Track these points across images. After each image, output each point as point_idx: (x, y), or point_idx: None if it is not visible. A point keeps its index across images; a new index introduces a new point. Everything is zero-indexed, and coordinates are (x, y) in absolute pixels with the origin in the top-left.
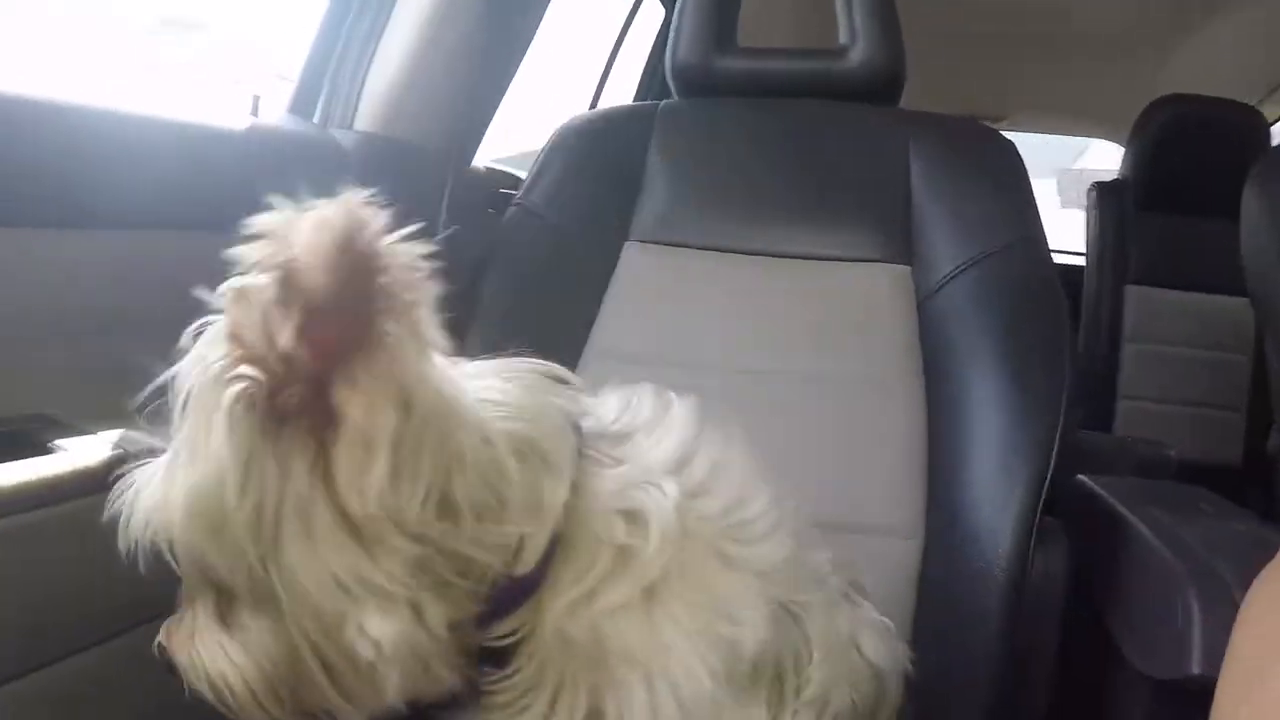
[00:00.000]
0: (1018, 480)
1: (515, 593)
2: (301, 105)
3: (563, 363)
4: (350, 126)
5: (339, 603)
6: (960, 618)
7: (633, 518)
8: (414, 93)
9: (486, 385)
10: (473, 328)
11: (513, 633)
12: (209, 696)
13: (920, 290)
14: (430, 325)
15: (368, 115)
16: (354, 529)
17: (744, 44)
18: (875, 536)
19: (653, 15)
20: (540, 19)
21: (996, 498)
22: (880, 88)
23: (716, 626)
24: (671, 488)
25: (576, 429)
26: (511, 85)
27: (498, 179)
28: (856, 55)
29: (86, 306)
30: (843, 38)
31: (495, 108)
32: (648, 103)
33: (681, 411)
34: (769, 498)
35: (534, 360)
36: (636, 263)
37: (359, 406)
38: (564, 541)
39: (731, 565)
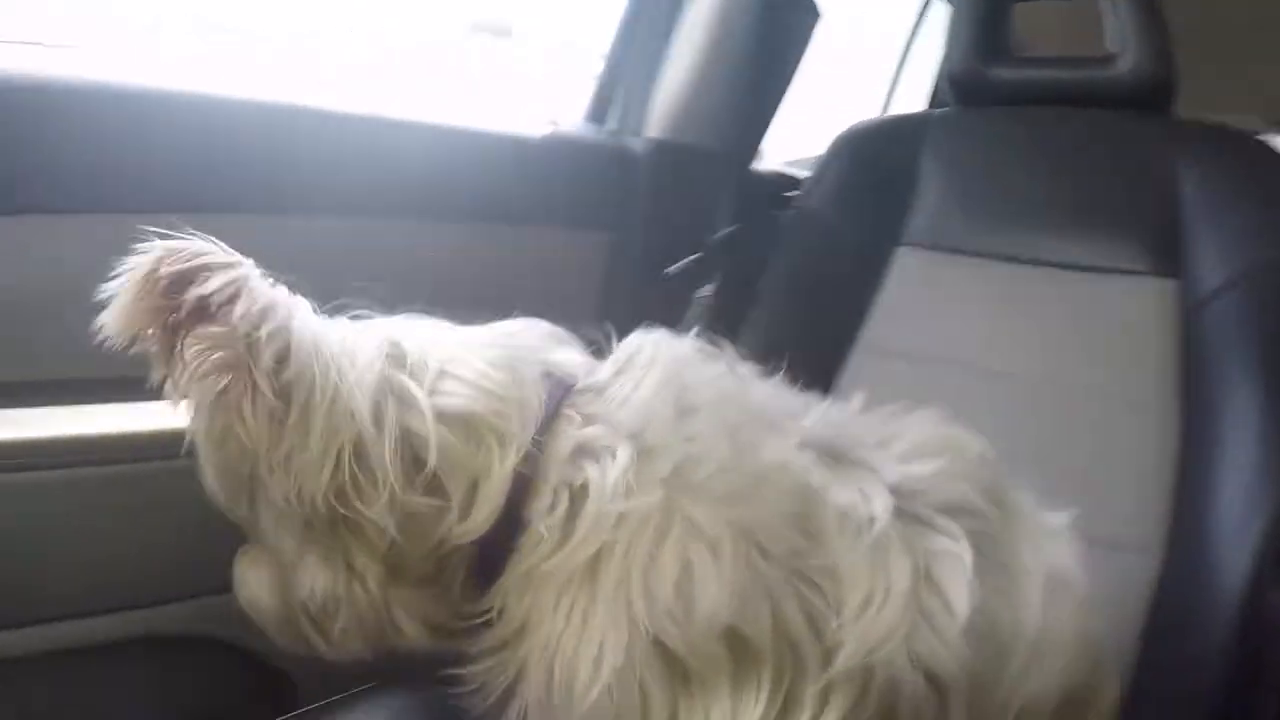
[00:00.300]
0: (1261, 510)
1: (483, 559)
2: (597, 113)
3: (831, 358)
4: (641, 133)
5: (290, 554)
6: (1187, 643)
7: (578, 492)
8: (700, 99)
9: (457, 360)
10: (748, 321)
11: (488, 596)
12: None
13: (1186, 305)
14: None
15: (658, 121)
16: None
17: (1015, 52)
18: (1111, 550)
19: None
20: (815, 21)
21: (1240, 525)
22: (1149, 95)
23: (654, 603)
24: (625, 452)
25: (560, 388)
26: (796, 89)
27: (782, 181)
28: (1125, 63)
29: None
30: (1110, 45)
31: (775, 110)
32: (922, 111)
33: (670, 357)
34: (779, 443)
35: (535, 324)
36: (908, 266)
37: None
38: (521, 508)
39: (696, 529)
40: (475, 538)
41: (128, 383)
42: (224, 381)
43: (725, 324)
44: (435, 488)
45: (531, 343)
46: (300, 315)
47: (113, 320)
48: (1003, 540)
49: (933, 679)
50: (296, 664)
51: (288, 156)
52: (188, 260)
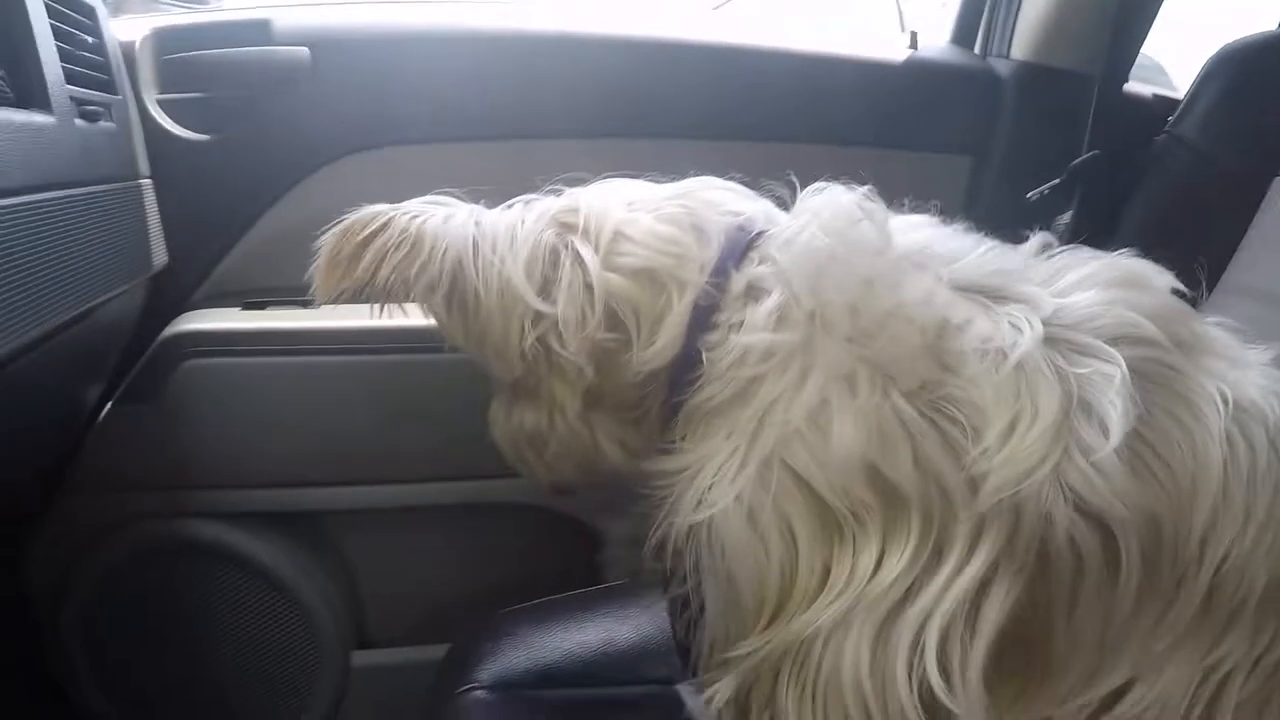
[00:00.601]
0: None
1: (670, 389)
2: (962, 35)
3: (1190, 300)
4: (1007, 55)
5: (508, 398)
6: None
7: (737, 328)
8: (1066, 19)
9: (629, 222)
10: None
11: (673, 425)
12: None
13: None
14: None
15: (1023, 43)
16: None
17: None
18: None
19: None
20: None
21: None
22: None
23: (790, 436)
24: (776, 292)
25: (743, 235)
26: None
27: (1156, 106)
28: None
29: None
30: None
31: (1147, 29)
32: None
33: (833, 205)
34: (920, 282)
35: (714, 180)
36: None
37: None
38: (696, 343)
39: (833, 367)
40: (657, 367)
41: None
42: (419, 305)
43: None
44: (617, 325)
45: (713, 197)
46: (459, 228)
47: (316, 289)
48: (1182, 370)
49: (1091, 515)
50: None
51: (647, 86)
52: (357, 233)
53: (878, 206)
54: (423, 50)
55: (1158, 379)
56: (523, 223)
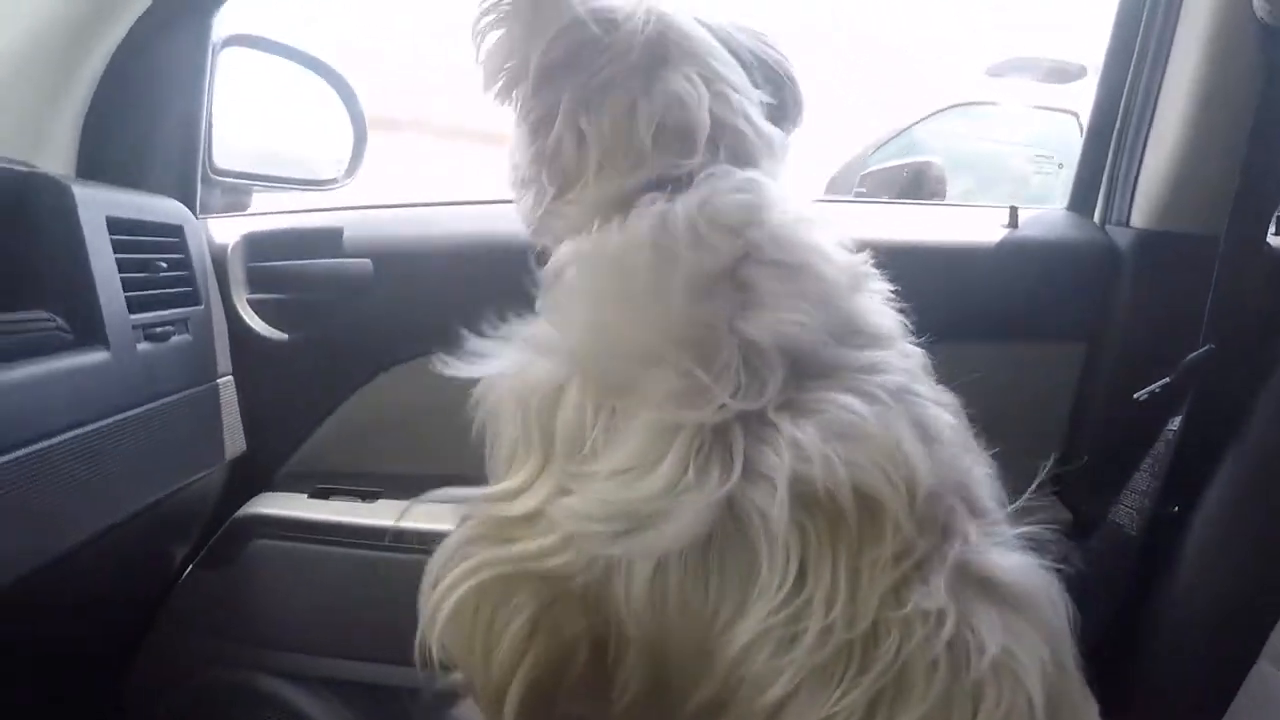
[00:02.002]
0: None
1: None
2: (1079, 201)
3: None
4: (1127, 223)
5: None
6: None
7: None
8: (1189, 181)
9: None
10: (1223, 465)
11: None
12: None
13: None
14: None
15: (1144, 208)
16: None
17: None
18: None
19: None
20: None
21: None
22: None
23: None
24: None
25: None
26: None
27: None
28: None
29: None
30: None
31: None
32: None
33: None
34: None
35: None
36: None
37: None
38: None
39: None
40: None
41: None
42: None
43: (1193, 466)
44: None
45: None
46: None
47: None
48: None
49: None
50: None
51: None
52: None
53: None
54: (475, 260)
55: None
56: None
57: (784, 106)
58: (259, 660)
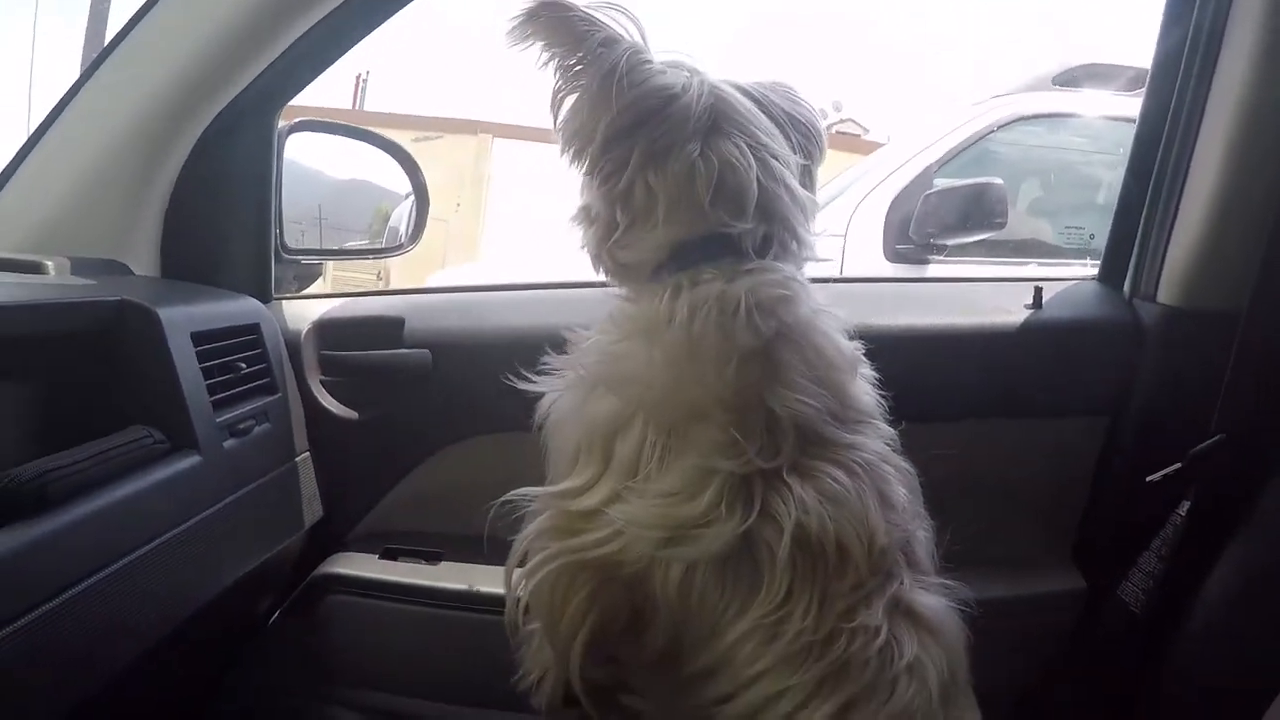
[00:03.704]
0: None
1: None
2: (1109, 273)
3: None
4: (1154, 298)
5: None
6: None
7: None
8: (1216, 258)
9: None
10: (1227, 550)
11: None
12: None
13: None
14: None
15: (1171, 283)
16: None
17: None
18: None
19: None
20: None
21: None
22: None
23: None
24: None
25: None
26: None
27: None
28: None
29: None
30: None
31: None
32: None
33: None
34: None
35: None
36: None
37: None
38: None
39: None
40: None
41: None
42: None
43: (1198, 552)
44: None
45: None
46: None
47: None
48: None
49: None
50: None
51: None
52: None
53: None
54: (525, 350)
55: None
56: None
57: (812, 157)
58: (331, 695)
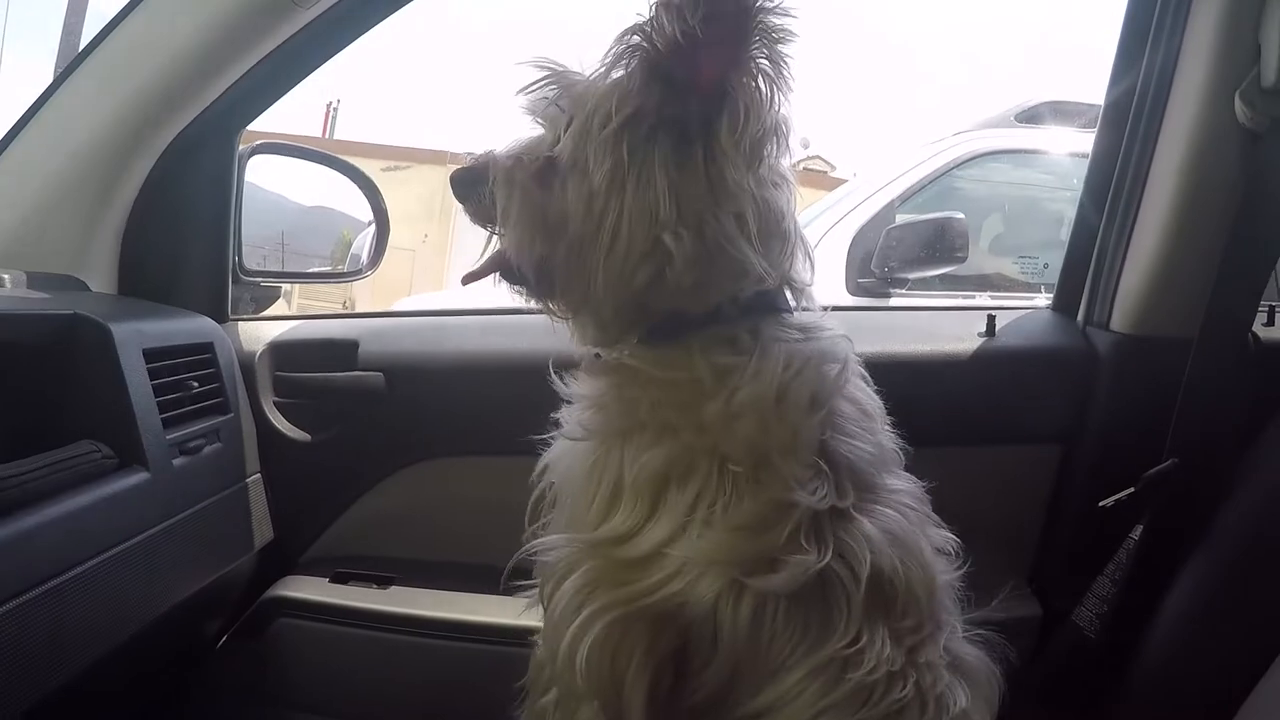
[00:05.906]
0: None
1: None
2: (1063, 302)
3: None
4: (1107, 326)
5: None
6: None
7: None
8: (1169, 286)
9: None
10: (1179, 579)
11: None
12: None
13: None
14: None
15: (1123, 312)
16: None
17: None
18: None
19: None
20: None
21: None
22: None
23: None
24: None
25: None
26: None
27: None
28: None
29: None
30: None
31: (1258, 293)
32: None
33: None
34: None
35: None
36: None
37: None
38: None
39: None
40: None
41: None
42: None
43: (1152, 574)
44: None
45: None
46: None
47: None
48: None
49: None
50: None
51: None
52: None
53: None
54: (479, 373)
55: None
56: None
57: None
58: (279, 718)
